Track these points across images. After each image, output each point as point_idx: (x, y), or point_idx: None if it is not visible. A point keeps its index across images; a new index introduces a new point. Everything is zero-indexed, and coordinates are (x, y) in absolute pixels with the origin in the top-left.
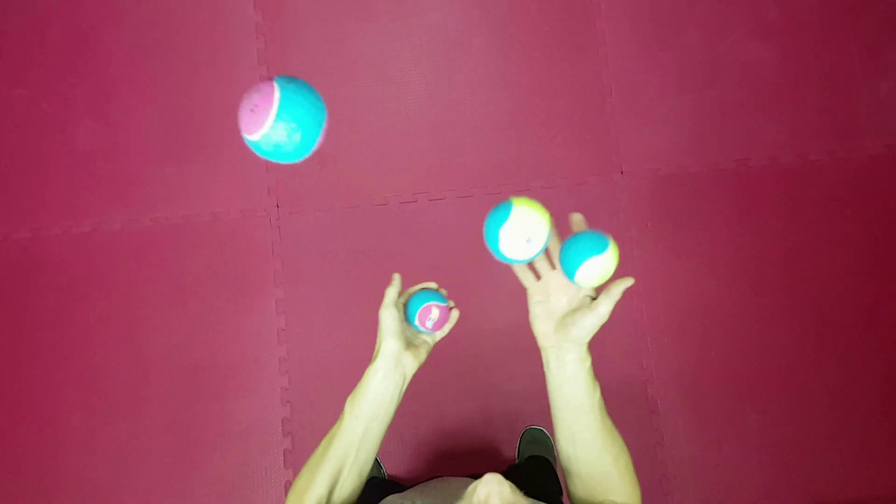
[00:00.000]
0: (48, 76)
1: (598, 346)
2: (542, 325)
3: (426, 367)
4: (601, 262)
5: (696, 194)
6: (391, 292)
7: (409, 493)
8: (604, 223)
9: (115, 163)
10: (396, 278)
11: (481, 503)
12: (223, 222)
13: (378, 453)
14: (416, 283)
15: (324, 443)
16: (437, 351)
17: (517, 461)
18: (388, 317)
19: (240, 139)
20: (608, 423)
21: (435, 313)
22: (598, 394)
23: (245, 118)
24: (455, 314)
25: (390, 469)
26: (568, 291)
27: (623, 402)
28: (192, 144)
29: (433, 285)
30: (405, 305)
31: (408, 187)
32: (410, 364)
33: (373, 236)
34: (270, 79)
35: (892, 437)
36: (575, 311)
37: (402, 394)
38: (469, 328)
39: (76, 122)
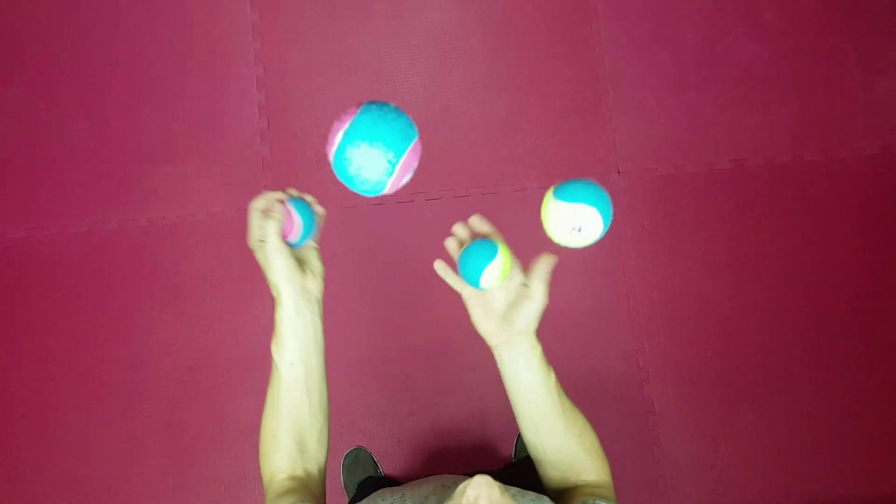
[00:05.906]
0: (44, 75)
1: (595, 346)
2: (486, 324)
3: (424, 366)
4: (498, 265)
5: (693, 194)
6: (272, 229)
7: (402, 488)
8: None
9: (111, 162)
10: (266, 203)
11: None
12: (220, 222)
13: (375, 452)
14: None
15: (270, 404)
16: (435, 350)
17: (514, 460)
18: (279, 261)
19: (236, 139)
20: (567, 403)
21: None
22: (553, 377)
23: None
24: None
25: (387, 469)
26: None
27: (619, 402)
28: (188, 144)
29: (296, 193)
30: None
31: (404, 187)
32: (316, 287)
33: (370, 236)
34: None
35: (890, 436)
36: (514, 303)
37: (321, 313)
38: (466, 327)
39: (72, 121)
